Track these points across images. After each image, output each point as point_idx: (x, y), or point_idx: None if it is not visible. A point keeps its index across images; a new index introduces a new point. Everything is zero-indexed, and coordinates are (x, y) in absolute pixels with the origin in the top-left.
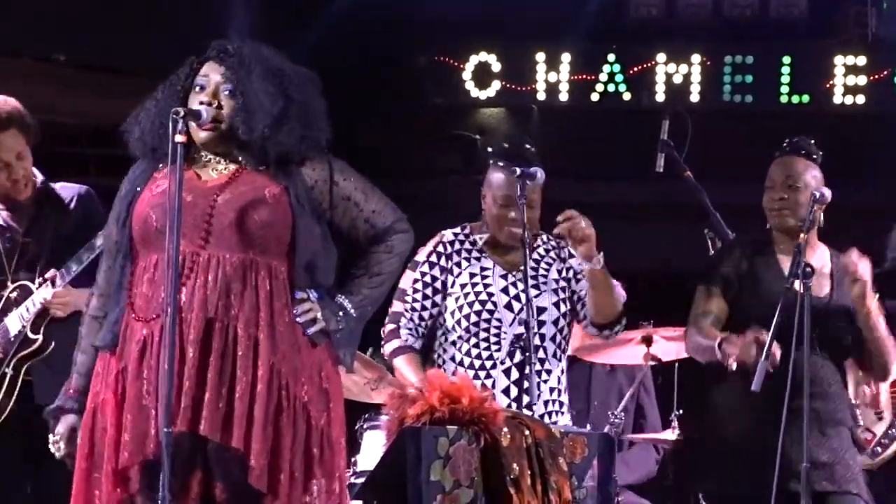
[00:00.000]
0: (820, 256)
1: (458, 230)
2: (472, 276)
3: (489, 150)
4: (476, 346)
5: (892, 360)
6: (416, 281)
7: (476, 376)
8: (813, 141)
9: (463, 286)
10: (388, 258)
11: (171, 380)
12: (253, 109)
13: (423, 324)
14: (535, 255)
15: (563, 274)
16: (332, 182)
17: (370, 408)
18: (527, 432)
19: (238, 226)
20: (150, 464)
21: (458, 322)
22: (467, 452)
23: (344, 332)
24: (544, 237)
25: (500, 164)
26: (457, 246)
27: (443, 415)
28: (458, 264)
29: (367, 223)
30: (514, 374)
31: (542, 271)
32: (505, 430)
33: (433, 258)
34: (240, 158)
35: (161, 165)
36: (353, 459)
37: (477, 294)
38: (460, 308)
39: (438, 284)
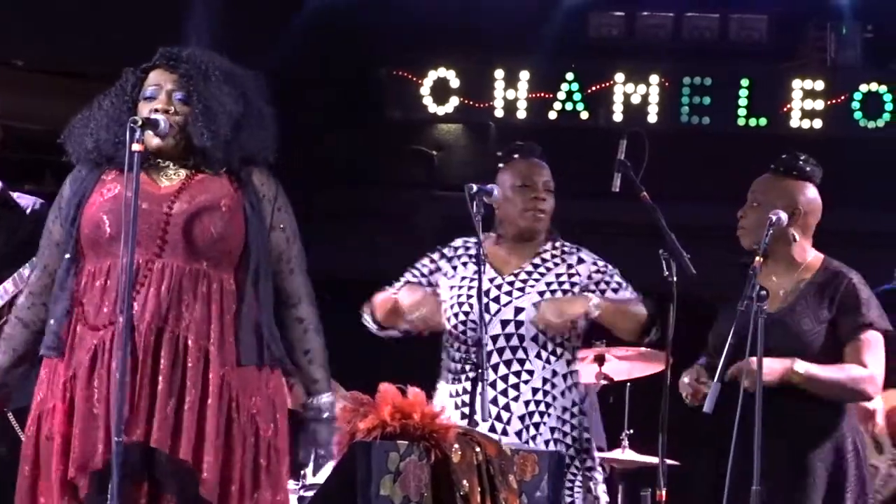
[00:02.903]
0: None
1: (472, 237)
2: (462, 279)
3: (500, 154)
4: (458, 350)
5: (860, 392)
6: (424, 259)
7: (458, 380)
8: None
9: (452, 288)
10: (310, 336)
11: (122, 389)
12: (214, 114)
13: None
14: (538, 260)
15: (564, 278)
16: (275, 203)
17: None
18: (478, 449)
19: (192, 237)
20: (98, 473)
21: (448, 322)
22: (418, 468)
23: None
24: (556, 242)
25: (510, 159)
26: (460, 251)
27: (394, 430)
28: (455, 267)
29: (289, 265)
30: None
31: (536, 275)
32: (456, 446)
33: (436, 255)
34: (195, 164)
35: (109, 168)
36: (302, 472)
37: (458, 297)
38: (449, 309)
39: (432, 278)
